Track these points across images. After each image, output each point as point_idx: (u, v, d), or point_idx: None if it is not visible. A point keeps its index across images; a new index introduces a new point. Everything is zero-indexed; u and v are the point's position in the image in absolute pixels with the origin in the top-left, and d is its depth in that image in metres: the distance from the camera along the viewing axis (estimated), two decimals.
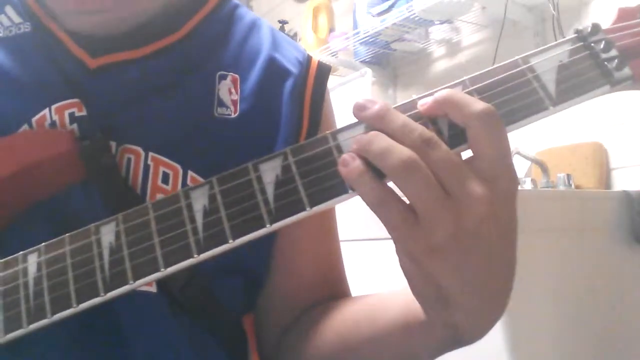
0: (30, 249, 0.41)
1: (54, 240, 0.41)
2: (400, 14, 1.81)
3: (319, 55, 2.14)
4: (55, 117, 0.50)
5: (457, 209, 0.36)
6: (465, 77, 0.40)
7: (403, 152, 0.36)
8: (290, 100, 0.59)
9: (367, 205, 0.37)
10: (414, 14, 1.77)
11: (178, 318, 0.50)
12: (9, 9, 0.54)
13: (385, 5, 1.90)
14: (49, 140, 0.48)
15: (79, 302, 0.39)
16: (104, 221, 0.40)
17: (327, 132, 0.40)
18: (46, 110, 0.50)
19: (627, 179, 1.51)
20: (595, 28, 0.42)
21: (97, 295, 0.38)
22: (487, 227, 0.36)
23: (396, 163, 0.36)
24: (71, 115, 0.50)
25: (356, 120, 0.40)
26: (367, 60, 2.15)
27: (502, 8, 1.67)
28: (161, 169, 0.51)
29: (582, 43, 0.41)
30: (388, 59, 2.21)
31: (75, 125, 0.50)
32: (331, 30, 2.29)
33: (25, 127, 0.50)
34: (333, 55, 2.15)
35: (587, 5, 1.62)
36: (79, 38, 0.53)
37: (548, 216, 1.09)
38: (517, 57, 0.41)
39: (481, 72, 0.40)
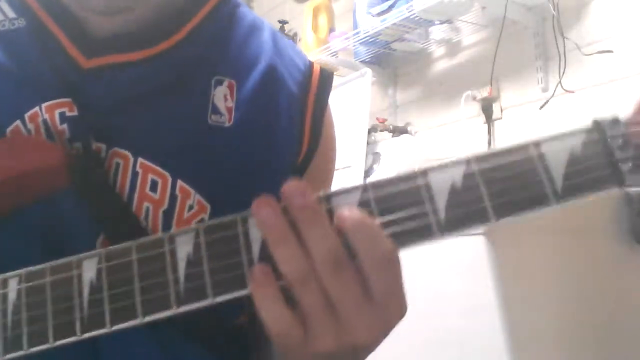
0: (11, 273, 0.40)
1: (35, 268, 0.40)
2: (400, 14, 1.81)
3: (319, 55, 2.14)
4: (46, 116, 0.49)
5: (343, 330, 0.38)
6: (470, 155, 0.38)
7: (298, 266, 0.37)
8: (290, 110, 0.57)
9: (265, 324, 0.38)
10: (414, 14, 1.76)
11: (155, 331, 0.49)
12: (3, 4, 0.52)
13: (385, 5, 1.90)
14: (39, 151, 0.47)
15: (55, 339, 0.38)
16: (87, 255, 0.40)
17: (320, 193, 0.39)
18: (37, 108, 0.49)
19: None
20: (615, 122, 0.39)
21: (74, 335, 0.38)
22: (365, 352, 0.40)
23: (293, 272, 0.37)
24: (62, 115, 0.49)
25: (353, 185, 0.39)
26: (367, 60, 2.15)
27: (502, 8, 1.67)
28: (150, 176, 0.50)
29: (598, 136, 0.38)
30: (388, 59, 2.20)
31: (65, 126, 0.49)
32: (331, 30, 2.29)
33: (17, 123, 0.49)
34: (333, 55, 2.15)
35: (587, 5, 1.62)
36: (75, 36, 0.51)
37: (548, 216, 1.09)
38: (529, 141, 0.38)
39: (489, 151, 0.38)
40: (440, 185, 0.38)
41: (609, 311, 1.13)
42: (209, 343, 0.53)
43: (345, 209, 0.38)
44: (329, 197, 0.39)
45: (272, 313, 0.38)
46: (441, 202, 0.38)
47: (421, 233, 0.38)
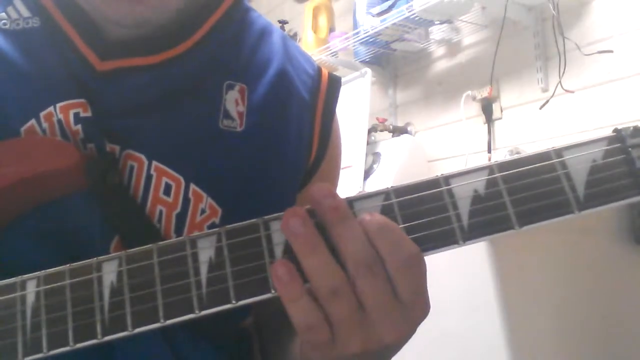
0: (29, 275, 0.40)
1: (53, 270, 0.40)
2: (400, 14, 1.81)
3: (318, 55, 2.14)
4: (61, 116, 0.49)
5: (370, 333, 0.38)
6: (493, 163, 0.39)
7: (331, 275, 0.37)
8: (300, 115, 0.57)
9: (294, 324, 0.38)
10: (414, 14, 1.76)
11: (166, 332, 0.49)
12: (18, 2, 0.52)
13: (385, 5, 1.90)
14: (55, 153, 0.47)
15: (76, 342, 0.38)
16: (107, 257, 0.39)
17: (344, 198, 0.39)
18: (51, 108, 0.49)
19: None
20: (637, 131, 0.39)
21: (95, 337, 0.38)
22: (391, 351, 0.40)
23: (324, 283, 0.37)
24: (76, 115, 0.49)
25: (376, 190, 0.39)
26: (367, 60, 2.15)
27: (502, 8, 1.67)
28: (164, 179, 0.50)
29: (619, 144, 0.39)
30: (388, 59, 2.21)
31: (80, 126, 0.49)
32: (331, 30, 2.29)
33: (32, 121, 0.48)
34: (333, 55, 2.15)
35: (587, 5, 1.62)
36: (90, 38, 0.51)
37: None
38: (550, 149, 0.39)
39: (511, 158, 0.39)
40: (463, 192, 0.38)
41: (609, 311, 1.13)
42: (218, 344, 0.54)
43: (366, 214, 0.38)
44: (352, 202, 0.39)
45: (300, 310, 0.37)
46: (464, 208, 0.38)
47: (444, 239, 0.38)
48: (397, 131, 2.01)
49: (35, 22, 0.51)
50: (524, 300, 1.01)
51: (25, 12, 0.51)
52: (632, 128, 0.39)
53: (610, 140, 0.39)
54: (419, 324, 0.40)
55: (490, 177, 0.38)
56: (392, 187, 0.39)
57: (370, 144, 1.92)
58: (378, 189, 0.39)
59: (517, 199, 0.38)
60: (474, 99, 1.87)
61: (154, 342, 0.49)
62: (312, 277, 0.37)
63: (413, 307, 0.39)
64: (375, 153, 1.91)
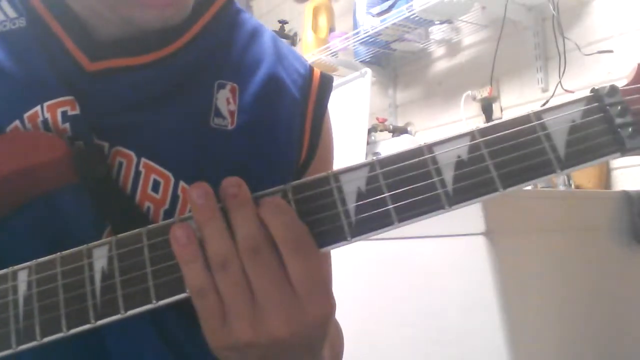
0: (20, 265, 0.40)
1: (44, 259, 0.40)
2: (400, 14, 1.81)
3: (318, 55, 2.14)
4: (47, 115, 0.49)
5: (259, 318, 0.38)
6: (474, 128, 0.39)
7: (222, 245, 0.38)
8: (291, 114, 0.58)
9: (187, 287, 0.39)
10: (414, 14, 1.77)
11: (157, 323, 0.49)
12: (4, 4, 0.52)
13: (385, 5, 1.90)
14: (42, 145, 0.47)
15: (69, 328, 0.38)
16: (96, 243, 0.40)
17: (329, 171, 0.40)
18: (38, 107, 0.49)
19: (627, 179, 1.51)
20: (613, 90, 0.40)
21: (88, 322, 0.38)
22: (285, 346, 0.39)
23: (216, 252, 0.38)
24: (64, 113, 0.49)
25: (361, 162, 0.40)
26: (367, 60, 2.15)
27: (502, 8, 1.67)
28: (152, 176, 0.50)
29: (597, 104, 0.40)
30: (388, 59, 2.21)
31: (67, 125, 0.49)
32: (331, 30, 2.29)
33: (17, 123, 0.48)
34: (333, 55, 2.15)
35: (587, 5, 1.62)
36: (79, 39, 0.51)
37: (548, 216, 1.10)
38: (529, 112, 0.40)
39: (492, 123, 0.40)
40: (447, 158, 0.39)
41: (608, 310, 1.13)
42: None
43: (267, 197, 0.40)
44: (337, 175, 0.40)
45: (194, 273, 0.38)
46: (448, 174, 0.39)
47: (430, 205, 0.39)
48: (397, 131, 2.01)
49: (21, 22, 0.51)
50: (524, 300, 1.01)
51: (12, 13, 0.52)
52: (608, 87, 0.40)
53: (588, 100, 0.40)
54: (320, 323, 0.40)
55: (472, 142, 0.39)
56: (376, 158, 0.40)
57: (370, 144, 1.92)
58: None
59: (500, 161, 0.38)
60: (474, 99, 1.87)
61: (153, 345, 0.49)
62: (207, 245, 0.39)
63: (310, 300, 0.39)
64: (375, 153, 1.91)
